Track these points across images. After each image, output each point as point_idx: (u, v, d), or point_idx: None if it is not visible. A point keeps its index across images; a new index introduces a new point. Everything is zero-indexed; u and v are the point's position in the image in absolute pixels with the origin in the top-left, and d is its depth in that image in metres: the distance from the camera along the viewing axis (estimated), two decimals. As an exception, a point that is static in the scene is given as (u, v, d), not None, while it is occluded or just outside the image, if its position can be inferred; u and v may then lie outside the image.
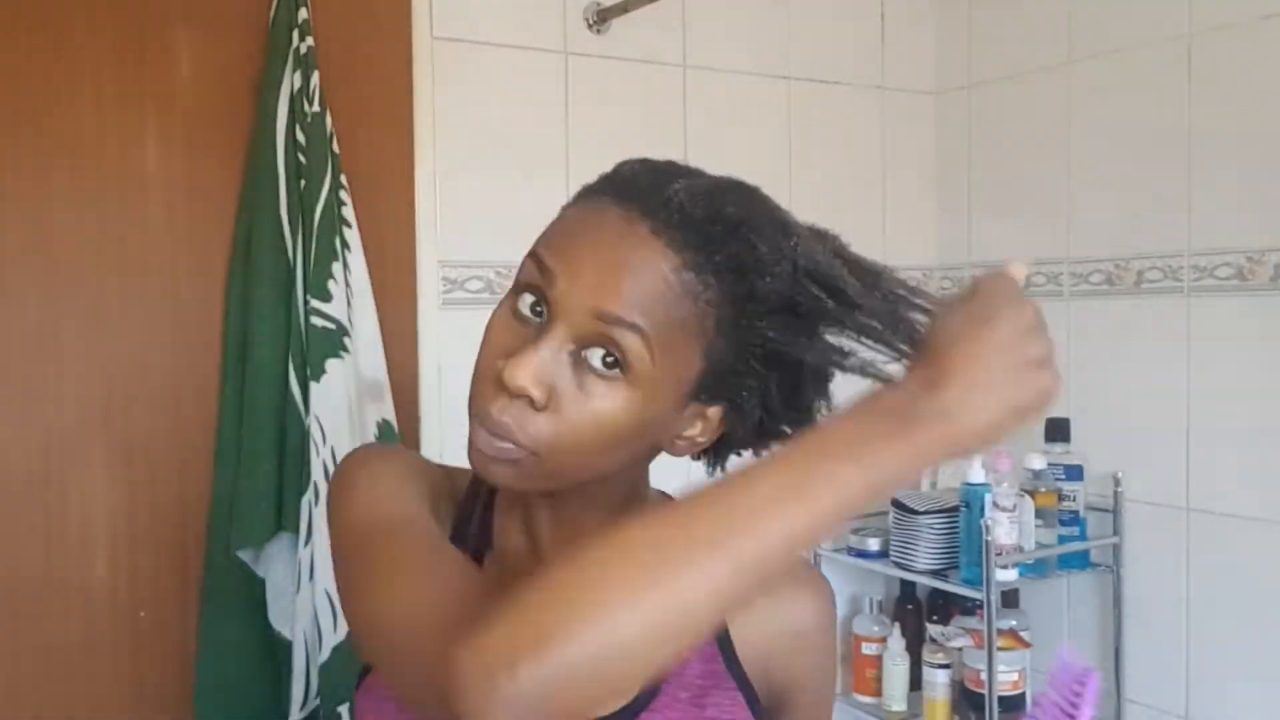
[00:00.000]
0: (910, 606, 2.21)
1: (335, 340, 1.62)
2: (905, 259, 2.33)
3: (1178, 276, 1.94)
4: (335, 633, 1.59)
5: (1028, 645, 2.01)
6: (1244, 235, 1.84)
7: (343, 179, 1.68)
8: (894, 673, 2.10)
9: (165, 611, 1.65)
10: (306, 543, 1.59)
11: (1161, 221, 1.96)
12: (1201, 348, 1.91)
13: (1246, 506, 1.85)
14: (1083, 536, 1.99)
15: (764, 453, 0.76)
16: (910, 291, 0.68)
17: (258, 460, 1.60)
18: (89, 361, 1.61)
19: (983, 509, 1.86)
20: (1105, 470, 2.01)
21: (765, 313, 0.69)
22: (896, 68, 2.34)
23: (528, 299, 0.71)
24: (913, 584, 2.18)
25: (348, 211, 1.68)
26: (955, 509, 1.96)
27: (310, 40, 1.64)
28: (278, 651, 1.64)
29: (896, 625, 2.13)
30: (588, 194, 0.74)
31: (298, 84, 1.63)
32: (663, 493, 0.82)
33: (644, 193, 0.70)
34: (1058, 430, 2.01)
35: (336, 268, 1.63)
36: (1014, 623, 2.01)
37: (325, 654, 1.58)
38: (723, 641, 0.79)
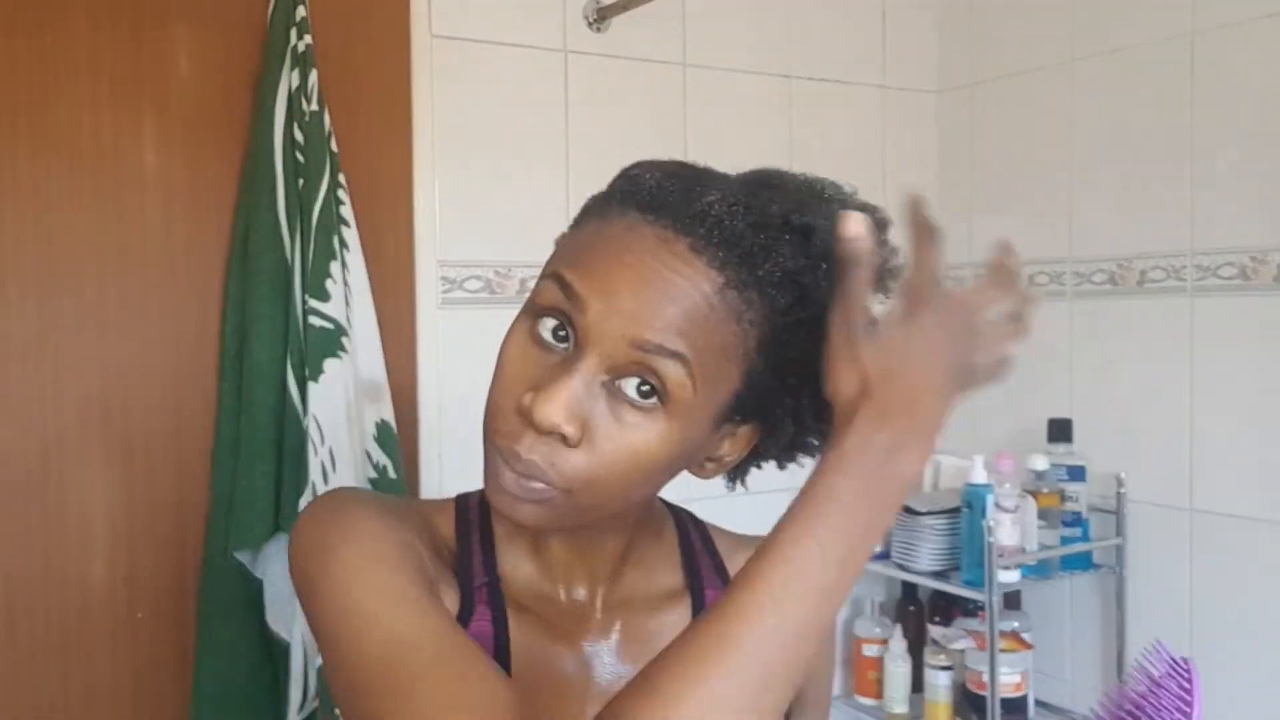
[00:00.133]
0: (912, 608, 2.21)
1: (334, 340, 1.61)
2: (905, 258, 2.32)
3: (1181, 276, 1.93)
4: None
5: (1030, 647, 2.01)
6: (1247, 235, 1.83)
7: (341, 178, 1.67)
8: (895, 674, 2.09)
9: (163, 612, 1.65)
10: (305, 544, 1.58)
11: (1164, 221, 1.95)
12: (1205, 348, 1.90)
13: (1250, 507, 1.84)
14: (1085, 537, 1.99)
15: (788, 465, 0.74)
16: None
17: (256, 460, 1.59)
18: (86, 361, 1.60)
19: (985, 510, 1.85)
20: (1108, 471, 2.01)
21: (807, 322, 0.65)
22: (898, 67, 2.33)
23: (549, 323, 0.65)
24: (914, 585, 2.17)
25: (346, 211, 1.67)
26: (957, 510, 1.95)
27: (308, 38, 1.64)
28: (275, 653, 1.63)
29: (898, 627, 2.12)
30: (607, 206, 0.68)
31: (296, 82, 1.62)
32: (663, 502, 0.81)
33: (676, 206, 0.65)
34: (1060, 431, 2.00)
35: (335, 267, 1.63)
36: (1016, 624, 2.00)
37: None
38: None
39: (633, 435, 0.64)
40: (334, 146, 1.66)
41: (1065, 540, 1.97)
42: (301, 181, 1.62)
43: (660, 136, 2.01)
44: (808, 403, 0.69)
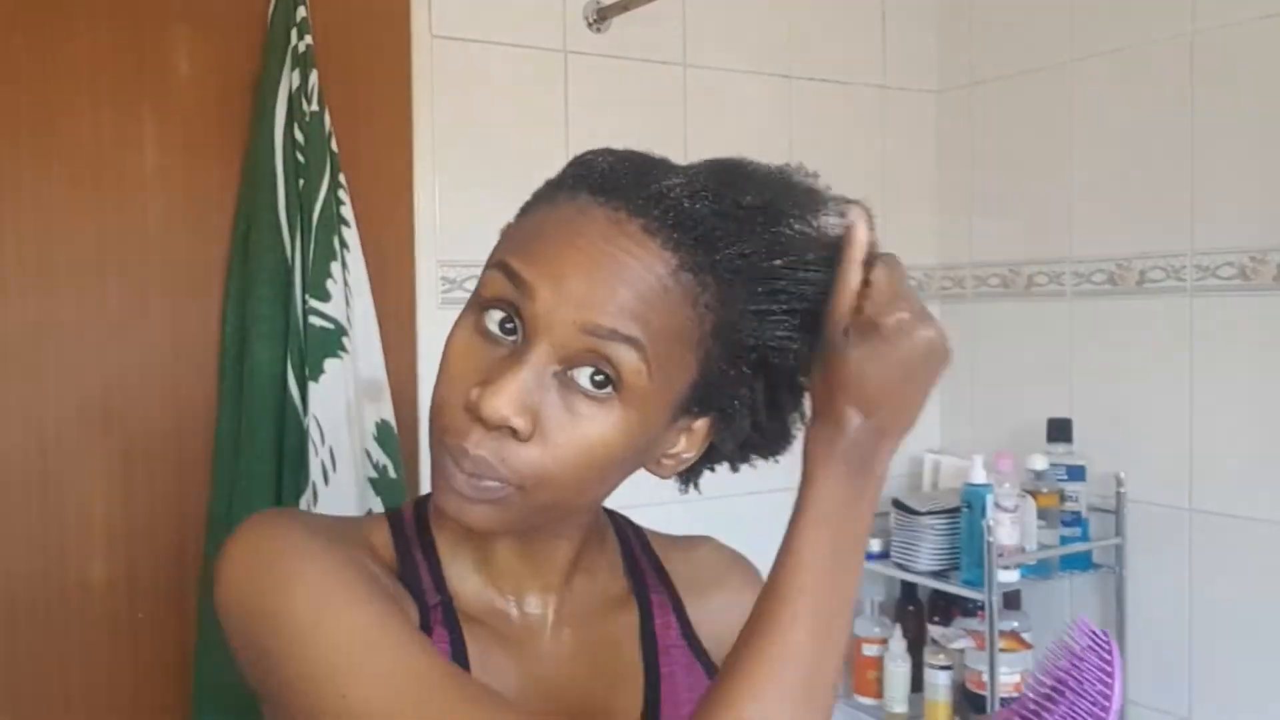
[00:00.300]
0: (911, 608, 2.21)
1: (334, 340, 1.61)
2: (905, 259, 2.32)
3: (1180, 276, 1.93)
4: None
5: (1029, 647, 2.01)
6: (1247, 235, 1.84)
7: (341, 178, 1.67)
8: (895, 674, 2.09)
9: (163, 612, 1.65)
10: (305, 543, 1.58)
11: (1164, 221, 1.95)
12: (1204, 348, 1.90)
13: (1249, 507, 1.84)
14: (1085, 537, 1.99)
15: (741, 467, 0.73)
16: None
17: (256, 460, 1.59)
18: (86, 361, 1.60)
19: (984, 510, 1.85)
20: (1107, 471, 2.01)
21: (766, 312, 0.64)
22: (897, 66, 2.33)
23: (496, 315, 0.63)
24: (914, 585, 2.17)
25: (346, 211, 1.67)
26: (956, 510, 1.95)
27: (309, 39, 1.64)
28: (276, 653, 1.63)
29: (897, 626, 2.12)
30: (557, 191, 0.66)
31: (296, 83, 1.62)
32: (607, 510, 0.80)
33: (629, 188, 0.63)
34: (1060, 431, 2.00)
35: (335, 267, 1.63)
36: (1016, 624, 2.00)
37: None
38: (697, 650, 0.77)
39: (587, 427, 0.61)
40: (334, 146, 1.66)
41: (1065, 540, 1.97)
42: (302, 181, 1.62)
43: (660, 136, 2.01)
44: (763, 395, 0.67)
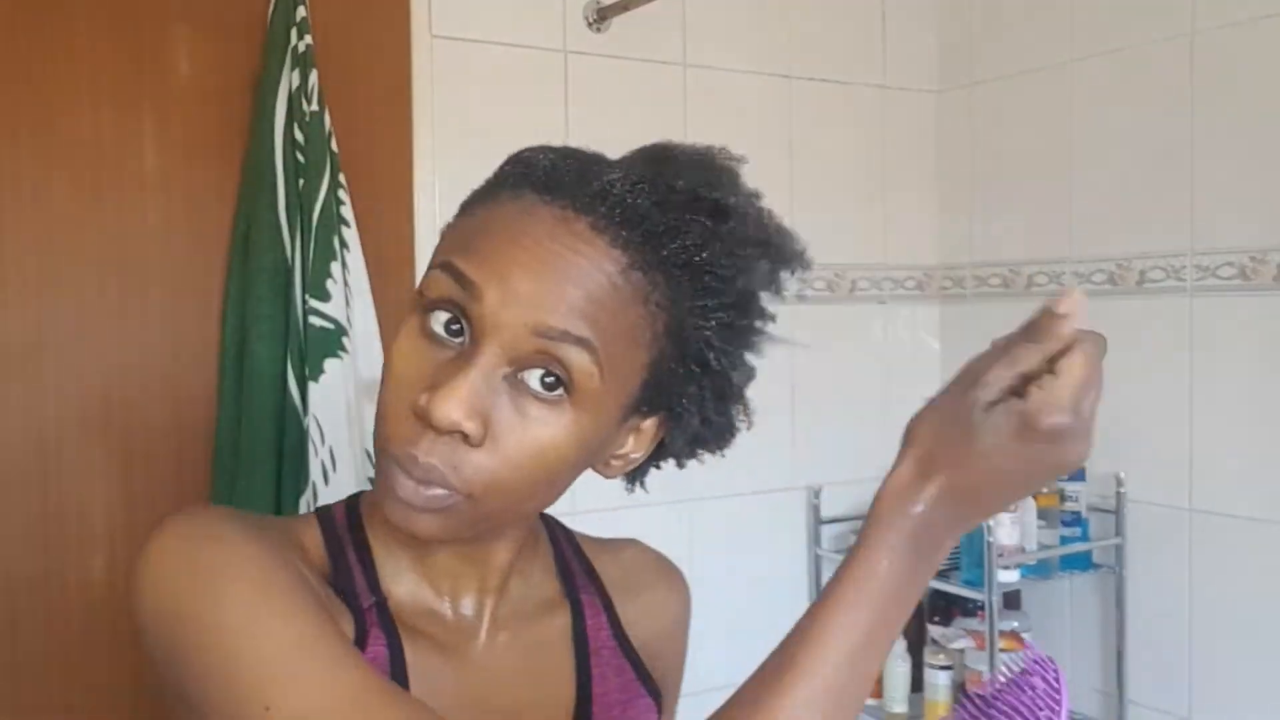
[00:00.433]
0: (911, 607, 2.21)
1: (334, 340, 1.61)
2: (906, 258, 2.33)
3: (1180, 276, 1.93)
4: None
5: (1029, 647, 2.00)
6: (1247, 235, 1.84)
7: (341, 178, 1.67)
8: (895, 674, 2.09)
9: (163, 612, 1.65)
10: (305, 543, 1.58)
11: (1164, 221, 1.95)
12: (1204, 348, 1.90)
13: (1249, 507, 1.84)
14: (1085, 537, 1.99)
15: (686, 463, 0.71)
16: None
17: (256, 461, 1.59)
18: (87, 361, 1.60)
19: (984, 510, 1.85)
20: (1107, 471, 2.01)
21: (715, 308, 0.63)
22: (898, 66, 2.33)
23: (441, 316, 0.60)
24: (914, 585, 2.17)
25: (346, 210, 1.67)
26: (957, 510, 1.95)
27: (309, 39, 1.64)
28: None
29: (897, 626, 2.12)
30: (498, 189, 0.64)
31: (296, 83, 1.62)
32: (543, 516, 0.79)
33: (573, 185, 0.61)
34: (1060, 431, 2.00)
35: (335, 267, 1.63)
36: (1016, 624, 2.00)
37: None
38: (627, 650, 0.77)
39: (539, 430, 0.60)
40: (334, 146, 1.66)
41: (1065, 540, 1.97)
42: (302, 181, 1.62)
43: (660, 136, 2.00)
44: (711, 393, 0.66)
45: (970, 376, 0.55)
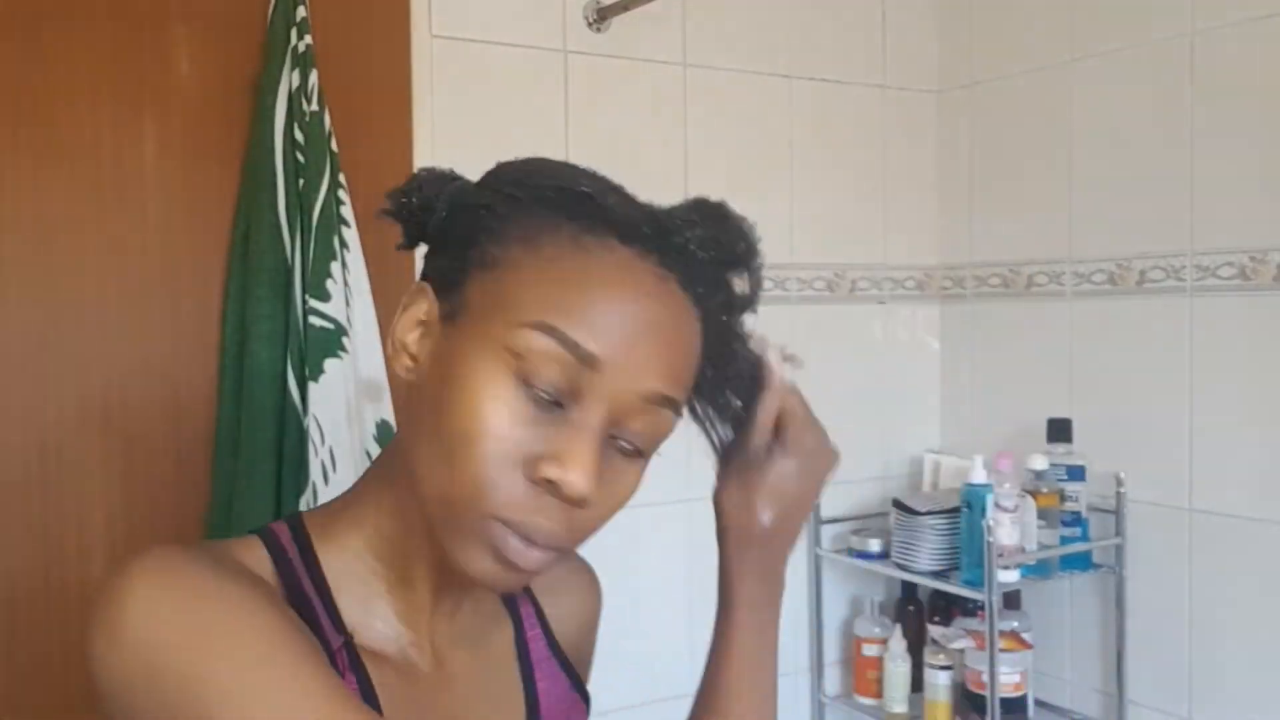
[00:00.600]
0: (911, 608, 2.21)
1: (334, 340, 1.61)
2: (906, 258, 2.32)
3: (1180, 276, 1.93)
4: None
5: (1029, 647, 2.01)
6: (1247, 234, 1.84)
7: (341, 178, 1.67)
8: (895, 674, 2.09)
9: (163, 613, 1.64)
10: (305, 544, 1.58)
11: (1164, 221, 1.95)
12: (1204, 347, 1.90)
13: (1249, 507, 1.84)
14: (1085, 537, 1.99)
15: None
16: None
17: (256, 461, 1.59)
18: (86, 361, 1.60)
19: (984, 510, 1.85)
20: (1107, 471, 2.01)
21: (727, 356, 0.67)
22: (898, 66, 2.33)
23: (547, 379, 0.59)
24: (914, 585, 2.17)
25: (346, 211, 1.67)
26: (956, 510, 1.95)
27: (309, 38, 1.64)
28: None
29: (897, 626, 2.12)
30: (577, 232, 0.61)
31: (296, 82, 1.62)
32: None
33: (656, 237, 0.62)
34: (1060, 431, 2.00)
35: (335, 267, 1.63)
36: (1016, 624, 2.00)
37: (323, 655, 1.57)
38: (560, 657, 0.78)
39: (625, 482, 0.62)
40: (334, 146, 1.65)
41: (1065, 540, 1.97)
42: (301, 181, 1.62)
43: (660, 136, 2.01)
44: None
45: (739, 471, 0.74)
